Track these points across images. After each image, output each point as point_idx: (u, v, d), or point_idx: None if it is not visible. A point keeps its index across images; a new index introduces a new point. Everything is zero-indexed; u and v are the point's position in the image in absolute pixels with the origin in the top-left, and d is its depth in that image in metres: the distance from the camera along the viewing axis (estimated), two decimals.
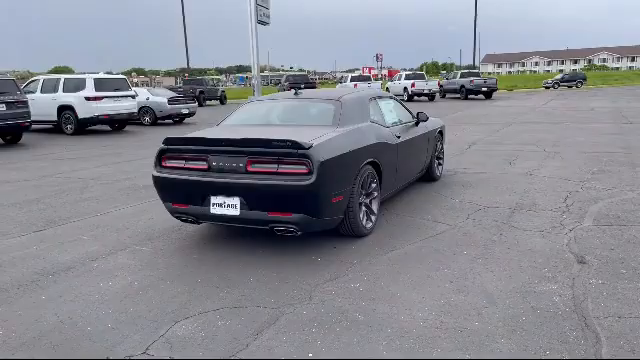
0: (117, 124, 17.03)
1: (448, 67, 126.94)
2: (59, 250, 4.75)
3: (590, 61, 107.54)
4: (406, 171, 5.97)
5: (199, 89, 32.63)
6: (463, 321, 3.11)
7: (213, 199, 4.37)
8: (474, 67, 49.00)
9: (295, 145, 4.05)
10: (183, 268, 4.21)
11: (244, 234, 4.99)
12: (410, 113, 6.59)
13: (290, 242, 4.68)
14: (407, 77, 31.91)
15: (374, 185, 4.98)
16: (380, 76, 71.06)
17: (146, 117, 18.97)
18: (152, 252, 4.65)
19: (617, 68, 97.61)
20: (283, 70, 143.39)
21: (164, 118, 19.19)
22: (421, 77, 32.15)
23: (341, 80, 36.78)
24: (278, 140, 4.15)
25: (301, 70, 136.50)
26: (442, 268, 3.99)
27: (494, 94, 31.77)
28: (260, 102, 5.91)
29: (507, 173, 7.75)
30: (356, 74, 39.56)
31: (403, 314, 3.24)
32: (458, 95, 32.19)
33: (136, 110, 16.88)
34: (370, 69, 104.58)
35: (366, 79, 32.88)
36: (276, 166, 4.16)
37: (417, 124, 6.43)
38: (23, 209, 6.39)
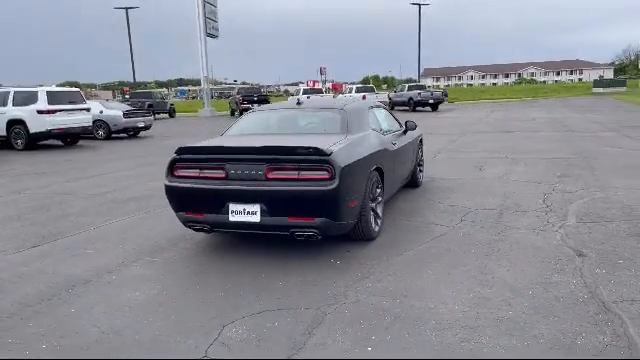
0: (69, 138, 16.39)
1: (389, 80, 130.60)
2: (67, 264, 4.62)
3: (520, 75, 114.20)
4: (400, 177, 6.24)
5: (147, 102, 31.86)
6: (497, 311, 3.35)
7: (232, 207, 4.42)
8: (419, 80, 50.71)
9: (317, 151, 4.20)
10: (205, 276, 4.23)
11: (251, 241, 5.05)
12: (398, 122, 6.88)
13: (301, 248, 4.79)
14: (358, 90, 32.66)
15: (379, 190, 5.19)
16: (325, 89, 71.91)
17: (99, 131, 18.36)
18: (166, 262, 4.62)
19: (544, 82, 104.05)
20: (226, 83, 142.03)
21: (119, 132, 18.65)
22: (371, 90, 33.01)
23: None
24: (300, 147, 4.28)
25: (244, 83, 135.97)
26: (458, 266, 4.24)
27: (439, 106, 33.05)
28: (263, 112, 6.00)
29: (481, 178, 8.20)
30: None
31: (440, 308, 3.44)
32: (406, 107, 33.26)
33: (91, 124, 16.34)
34: (315, 82, 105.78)
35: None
36: (297, 172, 4.27)
37: (405, 132, 6.73)
38: (7, 226, 6.12)
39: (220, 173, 4.48)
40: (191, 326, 3.31)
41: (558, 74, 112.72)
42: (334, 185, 4.16)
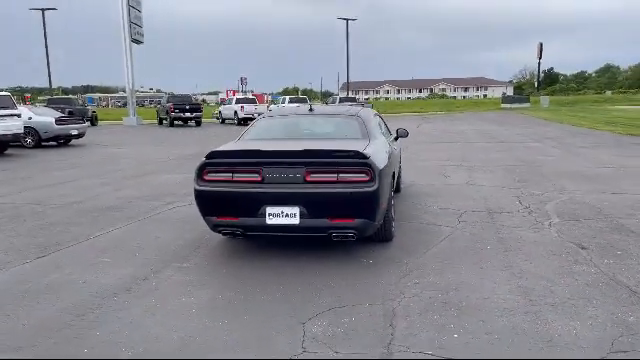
0: None
1: (308, 93, 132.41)
2: (92, 273, 4.41)
3: (432, 90, 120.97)
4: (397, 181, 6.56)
5: (68, 109, 29.93)
6: (546, 298, 3.72)
7: (269, 209, 4.46)
8: (347, 93, 51.98)
9: (357, 155, 4.39)
10: (251, 279, 4.23)
11: (268, 246, 5.09)
12: (388, 128, 7.22)
13: (322, 251, 4.91)
14: (291, 100, 33.03)
15: (392, 193, 5.46)
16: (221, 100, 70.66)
17: (28, 138, 17.06)
18: (198, 268, 4.56)
19: (454, 97, 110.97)
20: (142, 91, 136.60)
21: (49, 140, 17.45)
22: (304, 101, 33.47)
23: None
24: (340, 150, 4.45)
25: (158, 91, 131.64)
26: (485, 260, 4.59)
27: None
28: (276, 118, 6.06)
29: (451, 184, 8.75)
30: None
31: (494, 297, 3.74)
32: None
33: (22, 130, 15.20)
34: (234, 92, 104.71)
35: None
36: (336, 175, 4.42)
37: (396, 139, 7.07)
38: None
39: (255, 177, 4.52)
40: (271, 325, 3.35)
41: (466, 90, 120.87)
42: (375, 187, 4.36)
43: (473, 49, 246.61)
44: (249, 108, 31.21)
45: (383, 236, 5.06)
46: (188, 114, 30.11)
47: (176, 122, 30.48)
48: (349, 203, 4.39)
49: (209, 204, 4.65)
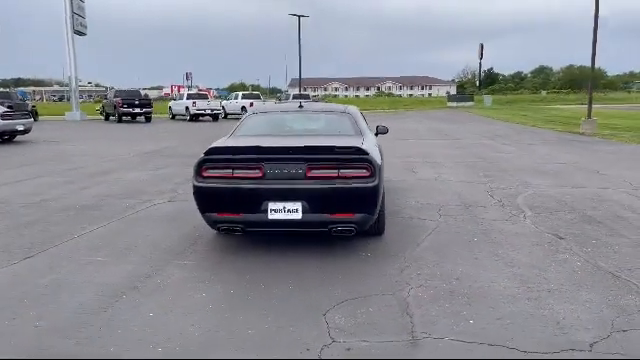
0: None
1: (255, 89, 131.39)
2: (90, 273, 4.29)
3: (379, 88, 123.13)
4: None
5: (7, 103, 28.29)
6: (541, 284, 3.99)
7: (271, 205, 4.50)
8: (300, 90, 51.96)
9: (358, 151, 4.51)
10: (255, 274, 4.26)
11: (264, 241, 5.13)
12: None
13: (319, 245, 5.01)
14: (244, 97, 32.76)
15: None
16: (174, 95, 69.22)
17: None
18: (199, 265, 4.54)
19: (400, 95, 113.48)
20: (80, 85, 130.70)
21: None
22: (257, 97, 33.28)
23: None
24: (341, 147, 4.55)
25: (98, 85, 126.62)
26: (476, 251, 4.84)
27: None
28: (267, 114, 6.08)
29: (421, 179, 9.04)
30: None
31: (495, 286, 3.97)
32: None
33: None
34: (180, 87, 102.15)
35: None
36: (337, 171, 4.52)
37: (377, 135, 7.24)
38: None
39: (256, 173, 4.54)
40: (293, 317, 3.42)
41: (412, 88, 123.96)
42: (376, 182, 4.50)
43: (418, 49, 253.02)
44: (201, 104, 30.65)
45: (376, 230, 5.20)
46: (138, 109, 29.16)
47: (124, 118, 29.47)
48: (351, 198, 4.50)
49: (209, 200, 4.63)
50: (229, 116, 33.83)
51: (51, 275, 4.23)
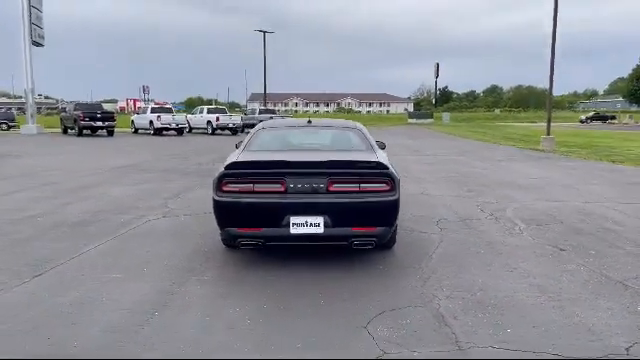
0: None
1: (214, 103, 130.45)
2: (112, 291, 4.18)
3: (339, 104, 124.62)
4: None
5: None
6: (560, 294, 4.17)
7: (293, 219, 4.52)
8: (265, 105, 51.81)
9: (379, 165, 4.62)
10: (282, 288, 4.26)
11: (274, 255, 5.13)
12: None
13: (329, 259, 5.07)
14: (209, 111, 32.49)
15: None
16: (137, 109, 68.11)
17: None
18: (221, 280, 4.51)
19: (359, 111, 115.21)
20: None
21: None
22: (223, 112, 33.06)
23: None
24: (363, 161, 4.65)
25: (47, 98, 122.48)
26: (487, 263, 5.00)
27: None
28: (277, 129, 6.08)
29: (410, 194, 9.20)
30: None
31: (518, 295, 4.12)
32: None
33: None
34: (135, 101, 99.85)
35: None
36: (358, 185, 4.60)
37: None
38: None
39: (278, 187, 4.55)
40: (336, 330, 3.45)
41: (370, 105, 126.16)
42: (397, 196, 4.60)
43: (376, 66, 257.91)
44: (166, 118, 30.15)
45: (391, 242, 5.28)
46: (100, 123, 28.36)
47: (85, 131, 28.59)
48: (372, 212, 4.58)
49: (230, 215, 4.60)
50: (193, 130, 33.45)
51: (71, 293, 4.08)
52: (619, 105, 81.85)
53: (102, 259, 5.04)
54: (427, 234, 6.16)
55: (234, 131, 32.17)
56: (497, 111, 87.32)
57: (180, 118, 31.13)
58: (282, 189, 4.55)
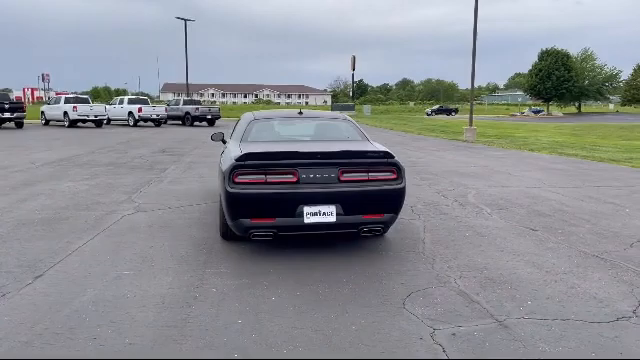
0: None
1: (122, 93, 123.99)
2: (133, 287, 4.04)
3: (257, 95, 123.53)
4: None
5: None
6: (554, 269, 4.62)
7: (306, 209, 4.61)
8: (188, 95, 50.08)
9: (386, 155, 4.82)
10: (298, 275, 4.34)
11: (282, 243, 5.20)
12: None
13: (328, 245, 5.23)
14: (131, 101, 30.97)
15: None
16: (48, 99, 63.76)
17: None
18: (238, 270, 4.49)
19: (278, 103, 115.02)
20: None
21: None
22: (145, 102, 31.66)
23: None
24: (372, 151, 4.84)
25: None
26: (477, 244, 5.39)
27: (217, 122, 33.79)
28: (272, 120, 6.03)
29: None
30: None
31: (520, 272, 4.52)
32: (181, 122, 32.96)
33: None
34: (33, 90, 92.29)
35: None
36: (366, 174, 4.78)
37: None
38: None
39: (290, 177, 4.62)
40: (378, 310, 3.61)
41: (289, 97, 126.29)
42: (403, 184, 4.84)
43: (293, 57, 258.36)
44: (83, 109, 28.31)
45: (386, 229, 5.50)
46: (8, 114, 26.04)
47: None
48: (381, 200, 4.78)
49: (243, 206, 4.59)
50: (112, 122, 31.74)
51: (88, 292, 3.89)
52: (520, 99, 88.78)
53: (100, 256, 4.81)
54: (407, 220, 6.47)
55: (158, 123, 30.92)
56: (411, 104, 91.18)
57: (99, 109, 29.36)
58: (294, 179, 4.61)
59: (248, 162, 4.60)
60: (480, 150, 17.18)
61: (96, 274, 4.31)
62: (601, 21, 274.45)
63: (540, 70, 66.13)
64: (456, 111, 64.76)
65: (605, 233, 5.88)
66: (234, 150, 5.01)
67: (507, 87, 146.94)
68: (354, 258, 4.87)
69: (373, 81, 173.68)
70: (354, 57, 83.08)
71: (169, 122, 33.78)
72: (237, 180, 4.57)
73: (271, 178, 4.60)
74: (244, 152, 4.64)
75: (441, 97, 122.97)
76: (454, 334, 3.29)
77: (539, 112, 67.66)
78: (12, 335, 3.18)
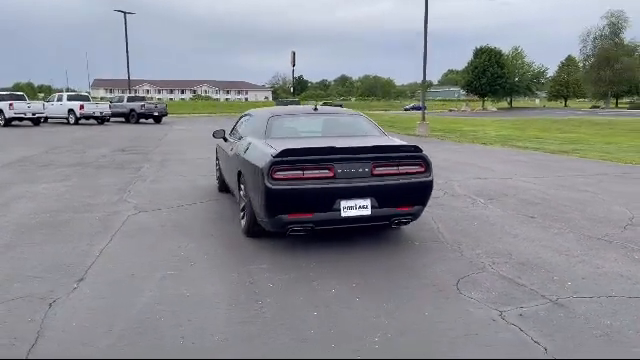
0: None
1: (45, 89, 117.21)
2: (185, 287, 3.98)
3: (195, 91, 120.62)
4: None
5: None
6: (571, 251, 4.98)
7: (343, 203, 4.71)
8: (130, 91, 48.11)
9: (416, 149, 5.00)
10: (338, 268, 4.44)
11: (299, 241, 5.27)
12: None
13: (356, 237, 5.37)
14: (70, 98, 29.44)
15: None
16: None
17: None
18: (277, 266, 4.52)
19: (217, 99, 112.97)
20: None
21: None
22: (86, 99, 30.20)
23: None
24: (402, 146, 5.00)
25: None
26: (490, 232, 5.69)
27: (163, 119, 32.80)
28: (290, 116, 6.02)
29: None
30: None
31: (545, 256, 4.84)
32: (123, 119, 31.75)
33: None
34: None
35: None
36: (397, 168, 4.93)
37: None
38: None
39: (327, 173, 4.69)
40: (437, 297, 3.79)
41: (228, 93, 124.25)
42: (431, 177, 5.04)
43: (232, 53, 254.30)
44: (20, 106, 26.62)
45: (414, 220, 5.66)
46: None
47: None
48: (411, 192, 4.96)
49: (283, 202, 4.61)
50: (50, 120, 30.03)
51: (145, 293, 3.82)
52: (456, 95, 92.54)
53: (131, 257, 4.68)
54: None
55: (101, 120, 29.61)
56: (353, 100, 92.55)
57: (37, 106, 27.67)
58: (331, 174, 4.69)
59: (287, 158, 4.62)
60: (437, 144, 17.81)
61: (140, 275, 4.20)
62: (527, 20, 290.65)
63: (476, 67, 69.38)
64: (340, 106, 65.58)
65: (596, 218, 6.37)
66: (263, 147, 5.01)
67: (441, 83, 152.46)
68: (383, 249, 5.02)
69: (312, 77, 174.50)
70: (294, 53, 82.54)
71: (111, 120, 32.42)
72: (276, 176, 4.58)
73: (309, 173, 4.65)
74: (282, 148, 4.65)
75: (379, 93, 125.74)
76: (521, 315, 3.51)
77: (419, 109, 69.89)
78: (94, 339, 3.09)
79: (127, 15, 42.07)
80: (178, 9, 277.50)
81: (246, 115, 6.95)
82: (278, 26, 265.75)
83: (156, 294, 3.79)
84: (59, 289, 3.86)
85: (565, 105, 74.49)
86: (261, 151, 4.95)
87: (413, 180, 4.93)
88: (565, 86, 72.64)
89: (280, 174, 4.60)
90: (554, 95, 75.56)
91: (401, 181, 4.88)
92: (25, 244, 5.07)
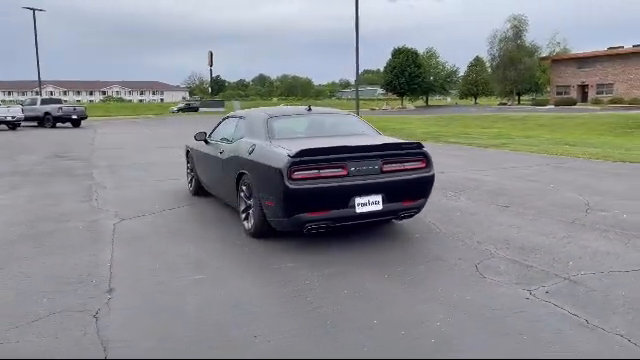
0: None
1: None
2: (220, 290, 3.93)
3: (105, 93, 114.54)
4: None
5: None
6: (557, 235, 5.46)
7: (358, 200, 4.88)
8: (41, 92, 44.72)
9: (419, 146, 5.27)
10: (362, 262, 4.61)
11: (312, 239, 5.38)
12: None
13: (362, 232, 5.58)
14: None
15: None
16: None
17: None
18: (302, 264, 4.58)
19: (130, 100, 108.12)
20: None
21: None
22: (58, 101, 27.86)
23: None
24: (407, 143, 5.25)
25: None
26: (478, 221, 6.10)
27: (83, 122, 30.91)
28: (288, 118, 6.03)
29: None
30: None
31: (538, 240, 5.28)
32: (36, 124, 29.58)
33: None
34: None
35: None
36: (402, 164, 5.18)
37: None
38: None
39: (341, 171, 4.83)
40: (463, 279, 4.06)
41: (142, 93, 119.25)
42: (433, 171, 5.34)
43: (143, 53, 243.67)
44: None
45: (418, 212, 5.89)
46: None
47: None
48: (416, 186, 5.22)
49: (302, 201, 4.69)
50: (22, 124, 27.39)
51: (188, 299, 3.75)
52: (376, 93, 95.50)
53: (146, 264, 4.55)
54: None
55: (13, 125, 27.33)
56: (275, 99, 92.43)
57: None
58: (344, 173, 4.84)
59: (304, 158, 4.70)
60: None
61: (167, 282, 4.10)
62: (435, 23, 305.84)
63: (394, 67, 72.07)
64: None
65: (559, 205, 7.02)
66: (274, 148, 5.06)
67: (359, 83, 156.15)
68: (390, 243, 5.25)
69: (230, 77, 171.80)
70: (211, 52, 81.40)
71: (22, 124, 30.02)
72: (294, 176, 4.65)
73: (324, 172, 4.76)
74: (298, 149, 4.71)
75: (299, 93, 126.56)
76: (547, 292, 3.87)
77: None
78: (161, 344, 3.00)
79: (28, 10, 39.08)
80: (80, 5, 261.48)
81: (232, 117, 6.86)
82: (194, 26, 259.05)
83: (199, 298, 3.74)
84: (91, 301, 3.68)
85: (475, 102, 79.50)
86: (274, 152, 4.98)
87: (417, 175, 5.20)
88: (475, 85, 77.57)
89: (298, 174, 4.67)
90: (465, 93, 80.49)
91: (407, 176, 5.13)
92: (18, 259, 4.72)
